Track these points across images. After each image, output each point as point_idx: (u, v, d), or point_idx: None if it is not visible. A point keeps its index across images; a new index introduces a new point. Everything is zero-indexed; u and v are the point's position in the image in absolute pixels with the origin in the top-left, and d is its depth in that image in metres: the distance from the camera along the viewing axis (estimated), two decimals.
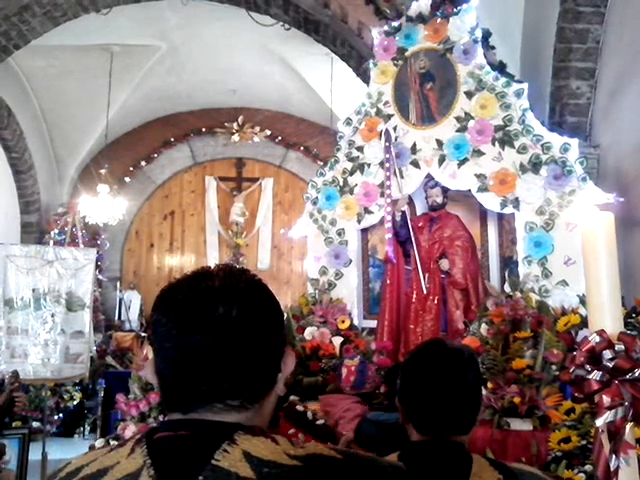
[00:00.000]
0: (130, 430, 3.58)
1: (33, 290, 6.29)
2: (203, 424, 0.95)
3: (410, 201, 4.51)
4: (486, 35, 4.25)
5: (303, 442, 0.96)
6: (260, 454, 0.90)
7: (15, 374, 4.06)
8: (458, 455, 1.50)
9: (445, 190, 4.29)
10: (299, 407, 2.22)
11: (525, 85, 4.05)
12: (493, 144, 4.03)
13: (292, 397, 3.46)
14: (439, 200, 4.31)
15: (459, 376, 1.55)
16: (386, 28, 4.48)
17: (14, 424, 4.83)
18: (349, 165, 4.51)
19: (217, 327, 0.95)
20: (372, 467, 0.96)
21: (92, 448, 5.34)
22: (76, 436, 8.54)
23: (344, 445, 1.81)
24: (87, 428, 8.57)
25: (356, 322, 4.34)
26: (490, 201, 4.06)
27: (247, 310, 0.97)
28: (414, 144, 4.30)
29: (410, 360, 1.66)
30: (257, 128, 11.19)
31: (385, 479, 0.96)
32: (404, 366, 1.67)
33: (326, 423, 2.16)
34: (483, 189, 4.05)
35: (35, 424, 6.84)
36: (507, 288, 3.77)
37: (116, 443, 1.02)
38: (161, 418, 3.46)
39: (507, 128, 4.00)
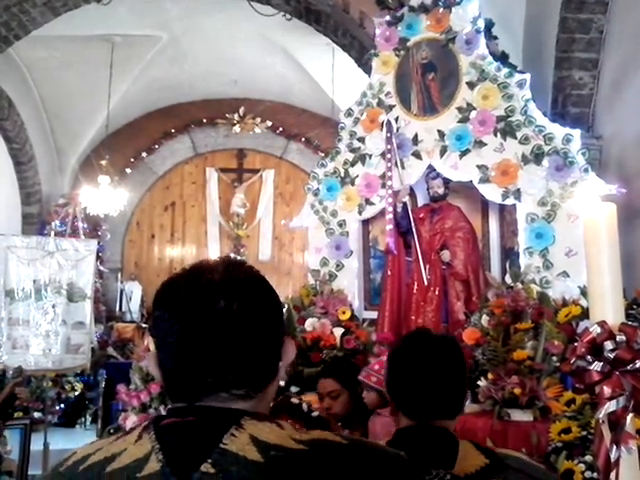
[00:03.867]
0: (131, 421, 3.60)
1: (34, 281, 6.29)
2: (210, 410, 0.96)
3: (411, 192, 4.51)
4: (488, 25, 4.23)
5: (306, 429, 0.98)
6: (267, 438, 0.91)
7: (19, 370, 4.08)
8: (445, 440, 1.53)
9: (446, 181, 4.28)
10: (294, 400, 2.23)
11: (527, 76, 4.03)
12: (495, 135, 4.02)
13: (290, 391, 3.42)
14: (440, 191, 4.30)
15: (445, 361, 1.62)
16: (388, 18, 4.45)
17: (15, 415, 4.84)
18: (350, 156, 4.50)
19: (219, 321, 0.96)
20: (377, 454, 0.98)
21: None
22: (77, 426, 8.55)
23: None
24: (88, 419, 8.59)
25: (357, 313, 4.35)
26: (492, 192, 4.05)
27: (248, 303, 0.98)
28: (416, 135, 4.29)
29: (396, 350, 1.73)
30: (258, 119, 11.14)
31: (389, 465, 0.97)
32: (391, 356, 1.73)
33: (321, 415, 2.17)
34: (485, 180, 4.04)
35: (36, 414, 6.84)
36: (508, 279, 3.76)
37: (119, 433, 1.04)
38: (162, 409, 3.47)
39: (509, 119, 3.98)
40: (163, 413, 1.05)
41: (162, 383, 1.03)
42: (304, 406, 2.20)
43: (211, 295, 0.97)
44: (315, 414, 2.17)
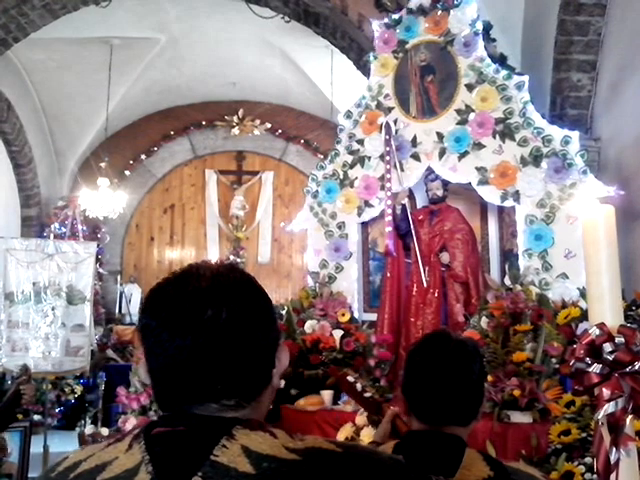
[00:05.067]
0: (131, 423, 3.60)
1: (33, 284, 6.28)
2: (201, 419, 0.94)
3: (410, 194, 4.51)
4: (487, 27, 4.24)
5: (303, 435, 0.95)
6: (259, 448, 0.89)
7: (25, 367, 4.07)
8: (452, 446, 1.50)
9: (445, 183, 4.28)
10: (350, 378, 2.24)
11: (526, 78, 4.04)
12: (494, 137, 4.02)
13: (290, 393, 3.37)
14: (439, 193, 4.31)
15: (462, 367, 1.55)
16: (386, 20, 4.46)
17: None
18: (349, 158, 4.50)
19: (207, 330, 0.93)
20: (372, 460, 0.95)
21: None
22: (77, 429, 8.53)
23: (389, 419, 1.82)
24: (88, 421, 8.57)
25: (356, 315, 4.35)
26: (490, 194, 4.06)
27: (236, 310, 0.95)
28: (414, 137, 4.29)
29: (414, 350, 1.66)
30: (257, 121, 11.14)
31: (385, 472, 0.95)
32: (408, 357, 1.67)
33: (373, 396, 2.17)
34: (484, 182, 4.04)
35: (36, 417, 6.84)
36: (507, 281, 3.77)
37: (112, 438, 1.00)
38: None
39: (508, 121, 3.99)
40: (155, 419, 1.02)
41: (152, 390, 1.01)
42: (358, 386, 2.20)
43: (198, 304, 0.94)
44: (368, 395, 2.17)
